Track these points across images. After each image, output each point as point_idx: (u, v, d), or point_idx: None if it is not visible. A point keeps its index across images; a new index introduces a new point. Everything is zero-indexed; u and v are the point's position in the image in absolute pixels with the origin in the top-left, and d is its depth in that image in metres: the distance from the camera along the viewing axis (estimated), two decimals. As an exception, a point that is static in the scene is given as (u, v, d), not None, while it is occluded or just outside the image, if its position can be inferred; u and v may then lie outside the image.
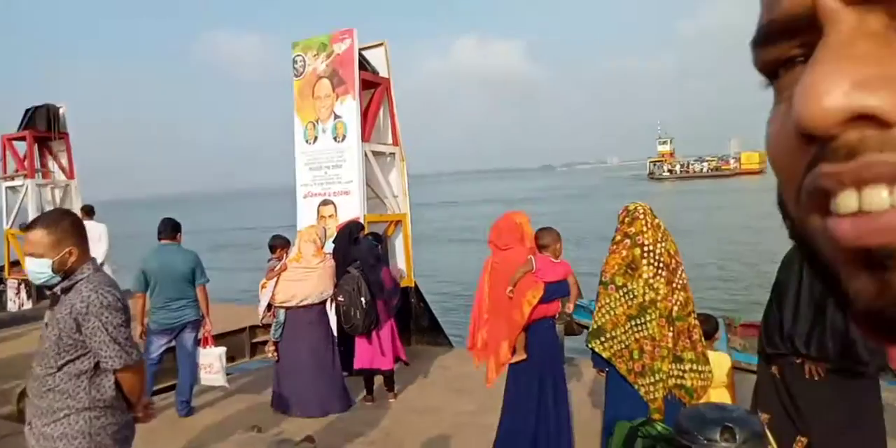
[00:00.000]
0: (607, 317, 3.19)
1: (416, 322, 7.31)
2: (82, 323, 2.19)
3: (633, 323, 3.13)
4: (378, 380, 5.35)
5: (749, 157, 73.17)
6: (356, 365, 5.21)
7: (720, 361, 3.42)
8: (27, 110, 11.18)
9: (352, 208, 6.74)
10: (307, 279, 5.06)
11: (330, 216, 6.95)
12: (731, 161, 75.69)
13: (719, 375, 3.40)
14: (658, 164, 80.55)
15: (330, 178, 6.95)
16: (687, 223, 22.90)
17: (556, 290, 3.53)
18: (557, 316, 3.64)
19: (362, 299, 5.03)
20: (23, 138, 11.03)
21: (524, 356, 3.51)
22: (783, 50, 0.32)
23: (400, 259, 7.31)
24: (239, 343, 6.78)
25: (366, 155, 6.85)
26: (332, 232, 6.63)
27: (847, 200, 0.28)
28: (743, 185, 56.23)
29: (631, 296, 3.14)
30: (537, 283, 3.43)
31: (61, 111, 11.22)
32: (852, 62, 0.27)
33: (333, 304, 5.53)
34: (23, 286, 10.79)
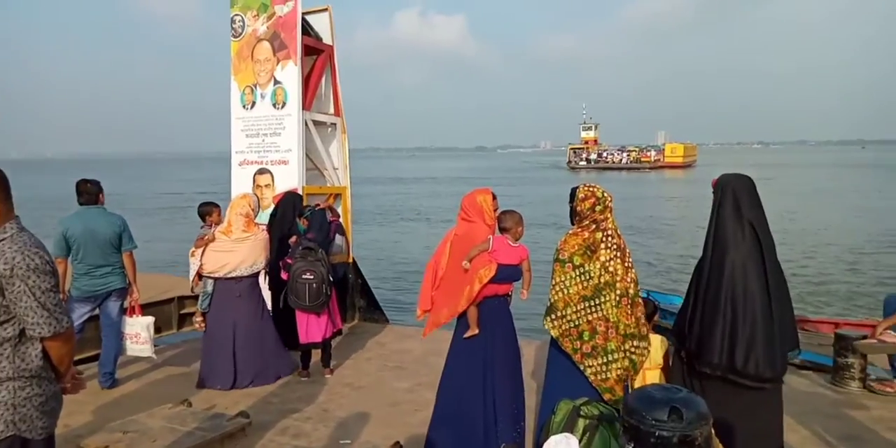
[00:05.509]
0: (560, 295, 3.22)
1: (354, 298, 7.21)
2: (6, 287, 2.01)
3: (587, 304, 3.18)
4: (315, 355, 5.26)
5: (673, 149, 72.44)
6: (305, 339, 5.10)
7: (657, 343, 3.54)
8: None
9: (290, 178, 6.55)
10: (235, 251, 4.89)
11: (266, 186, 6.74)
12: (652, 152, 74.56)
13: (656, 357, 3.52)
14: (578, 151, 77.28)
15: (267, 146, 6.72)
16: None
17: (510, 275, 3.53)
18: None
19: (330, 278, 4.96)
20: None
21: (476, 331, 3.49)
22: None
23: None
24: (166, 314, 6.50)
25: (306, 124, 6.66)
26: (269, 202, 6.44)
27: None
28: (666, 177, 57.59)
29: (587, 276, 3.18)
30: (491, 262, 3.42)
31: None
32: None
33: (267, 279, 5.38)
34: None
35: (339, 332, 5.44)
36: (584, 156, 75.33)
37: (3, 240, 2.07)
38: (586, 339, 3.19)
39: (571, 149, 79.90)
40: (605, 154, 75.19)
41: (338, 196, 7.15)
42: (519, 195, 33.21)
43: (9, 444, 2.04)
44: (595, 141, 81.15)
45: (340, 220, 6.75)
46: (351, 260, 7.11)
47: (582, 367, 3.21)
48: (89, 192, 4.82)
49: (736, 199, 2.96)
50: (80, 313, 4.72)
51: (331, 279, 5.03)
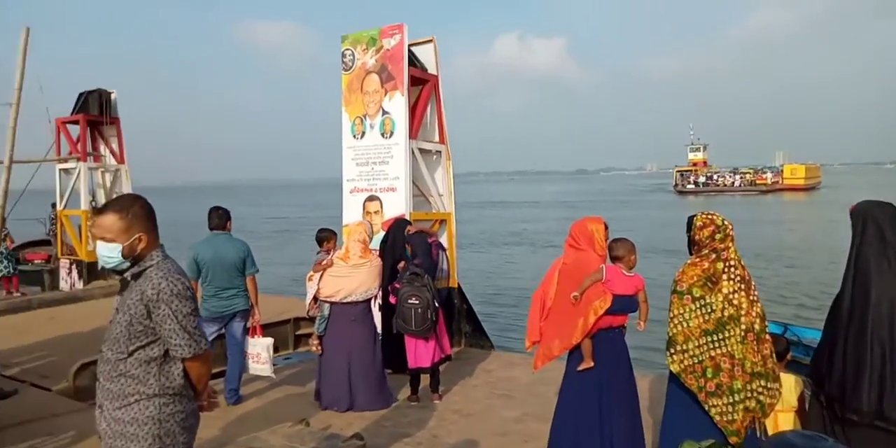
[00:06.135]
0: (679, 328, 3.08)
1: (460, 324, 7.23)
2: (153, 310, 2.18)
3: (709, 338, 3.02)
4: (424, 380, 5.32)
5: (793, 171, 66.96)
6: (414, 363, 5.18)
7: (791, 384, 3.28)
8: (80, 95, 11.44)
9: (398, 205, 6.71)
10: (352, 276, 5.05)
11: (376, 212, 6.94)
12: (769, 174, 69.31)
13: (789, 399, 3.26)
14: (685, 174, 73.25)
15: (376, 174, 6.93)
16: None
17: (626, 306, 3.41)
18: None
19: (436, 303, 5.03)
20: (76, 122, 11.30)
21: (591, 364, 3.40)
22: None
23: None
24: (282, 334, 6.82)
25: (413, 152, 6.82)
26: (378, 228, 6.63)
27: None
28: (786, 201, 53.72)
29: (709, 309, 3.02)
30: (606, 293, 3.33)
31: (112, 96, 11.47)
32: None
33: (377, 303, 5.51)
34: (74, 266, 11.08)
35: (448, 358, 5.46)
36: (692, 178, 71.54)
37: (150, 266, 2.25)
38: (710, 376, 3.02)
39: (678, 171, 76.08)
40: (715, 176, 70.98)
41: (443, 222, 7.24)
42: (625, 220, 32.13)
43: None
44: (704, 162, 76.76)
45: (437, 239, 6.77)
46: (456, 285, 7.15)
47: (707, 407, 3.03)
48: (220, 219, 5.19)
49: (878, 227, 2.74)
50: (209, 332, 5.04)
51: (437, 305, 5.09)
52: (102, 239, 2.25)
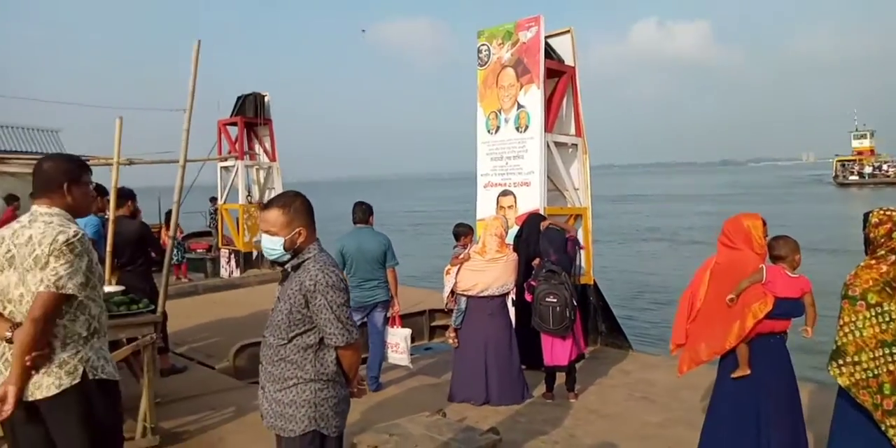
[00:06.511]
0: (850, 337, 2.79)
1: (596, 322, 7.04)
2: (310, 300, 2.30)
3: (886, 350, 2.71)
4: (559, 378, 5.25)
5: None
6: (550, 361, 5.13)
7: None
8: (238, 98, 12.48)
9: (531, 200, 6.65)
10: (488, 270, 5.08)
11: (510, 207, 6.92)
12: None
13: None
14: (847, 164, 66.58)
15: (510, 168, 6.91)
16: None
17: (790, 310, 3.13)
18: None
19: (574, 301, 4.97)
20: (235, 123, 12.35)
21: (747, 371, 3.18)
22: None
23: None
24: (418, 325, 7.05)
25: (548, 146, 6.72)
26: (512, 223, 6.60)
27: None
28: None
29: (886, 318, 2.71)
30: (766, 295, 3.08)
31: (266, 99, 12.40)
32: None
33: (511, 298, 5.49)
34: (233, 256, 12.17)
35: (583, 356, 5.35)
36: (855, 169, 64.70)
37: (308, 259, 2.39)
38: (888, 392, 2.71)
39: (839, 161, 68.82)
40: (884, 166, 63.42)
41: (578, 217, 7.08)
42: (779, 215, 29.39)
43: (310, 438, 2.34)
44: (871, 151, 68.28)
45: (574, 235, 6.56)
46: (592, 282, 6.97)
47: (884, 427, 2.72)
48: (363, 213, 5.45)
49: None
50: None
51: (574, 303, 4.98)
52: (267, 232, 2.42)
